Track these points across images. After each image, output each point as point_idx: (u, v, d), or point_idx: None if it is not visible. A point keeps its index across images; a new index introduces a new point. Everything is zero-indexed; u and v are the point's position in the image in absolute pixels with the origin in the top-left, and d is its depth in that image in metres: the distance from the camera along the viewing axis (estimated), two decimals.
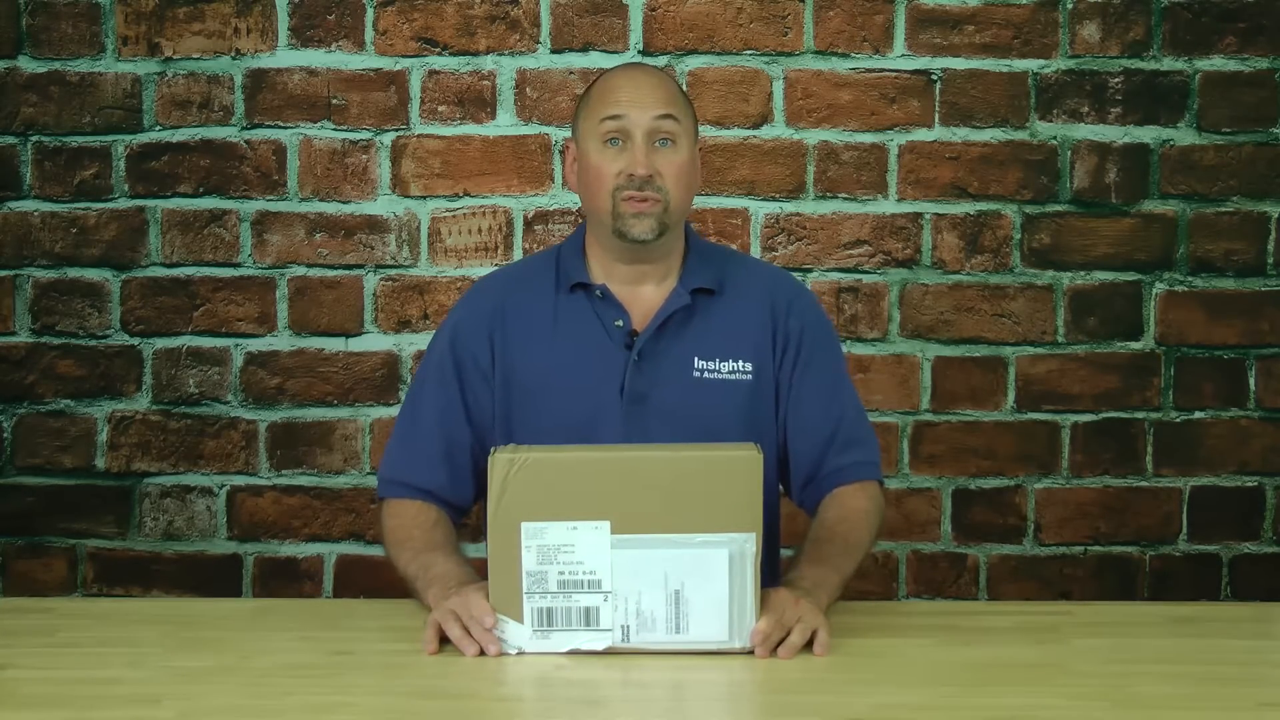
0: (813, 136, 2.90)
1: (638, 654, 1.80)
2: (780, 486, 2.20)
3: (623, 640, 1.81)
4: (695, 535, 1.79)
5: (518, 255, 2.91)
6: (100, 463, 2.98)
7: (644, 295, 2.12)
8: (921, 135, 2.90)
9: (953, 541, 2.96)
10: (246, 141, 2.93)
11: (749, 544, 1.79)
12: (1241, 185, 2.91)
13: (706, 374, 2.10)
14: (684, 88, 2.88)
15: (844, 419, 2.15)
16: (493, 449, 1.83)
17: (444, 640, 1.84)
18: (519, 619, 1.81)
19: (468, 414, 2.12)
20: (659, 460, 1.82)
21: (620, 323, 2.10)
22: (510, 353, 2.12)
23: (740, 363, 2.11)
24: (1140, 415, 2.94)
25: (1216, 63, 2.89)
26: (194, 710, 1.66)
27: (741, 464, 1.80)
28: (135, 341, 2.96)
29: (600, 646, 1.81)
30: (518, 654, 1.82)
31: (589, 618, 1.80)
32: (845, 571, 1.99)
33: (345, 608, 2.43)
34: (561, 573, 1.80)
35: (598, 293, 2.11)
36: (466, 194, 2.92)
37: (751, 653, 1.80)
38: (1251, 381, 2.93)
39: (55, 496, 2.98)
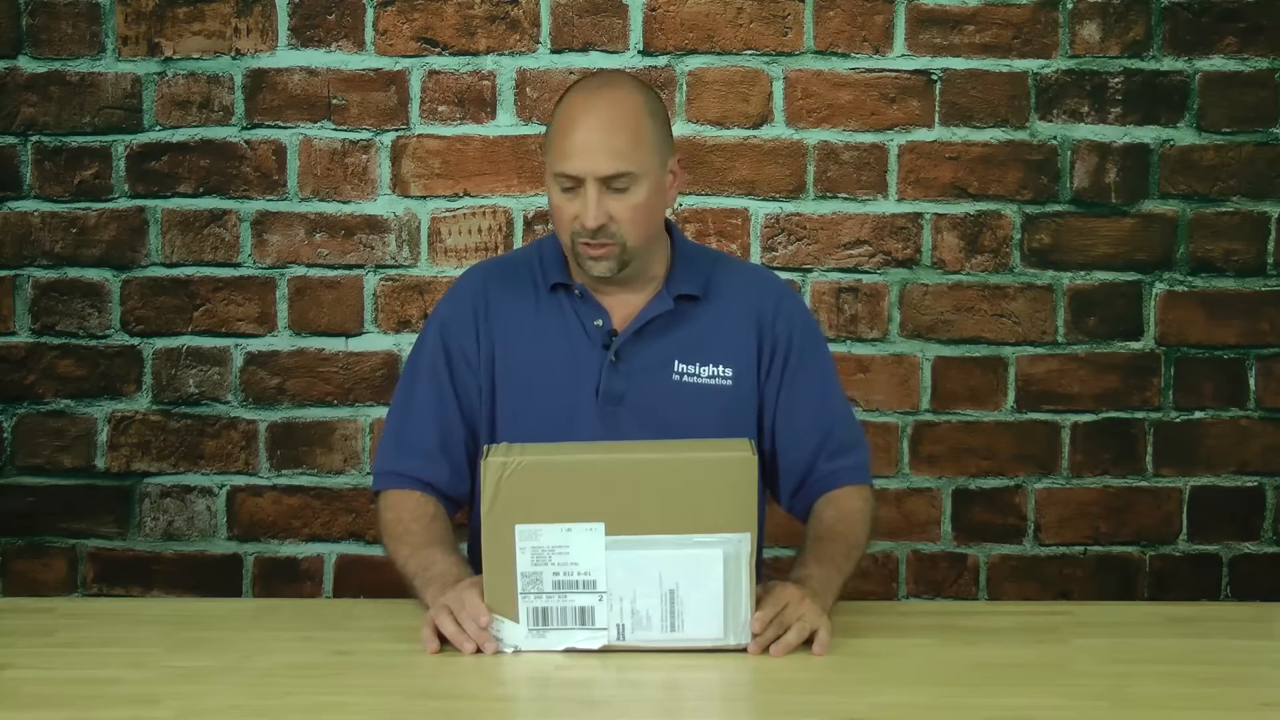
0: (813, 136, 2.90)
1: (634, 652, 1.80)
2: (766, 491, 2.19)
3: (618, 638, 1.81)
4: (690, 536, 1.79)
5: None
6: (100, 463, 2.98)
7: (627, 299, 2.12)
8: (921, 135, 2.90)
9: (953, 541, 2.96)
10: (246, 141, 2.93)
11: (744, 544, 1.79)
12: (1241, 185, 2.91)
13: (686, 378, 2.09)
14: (683, 88, 2.89)
15: (834, 424, 2.14)
16: (485, 450, 1.83)
17: (444, 639, 1.84)
18: (514, 619, 1.81)
19: (460, 406, 2.12)
20: (653, 462, 1.82)
21: (599, 323, 2.10)
22: (494, 347, 2.12)
23: (720, 368, 2.10)
24: (1140, 415, 2.94)
25: (1216, 63, 2.89)
26: (194, 710, 1.66)
27: (736, 465, 1.80)
28: (135, 341, 2.96)
29: (596, 645, 1.81)
30: (514, 652, 1.82)
31: (584, 617, 1.80)
32: (847, 572, 2.00)
33: (345, 608, 2.43)
34: (556, 573, 1.80)
35: (576, 292, 2.11)
36: (466, 194, 2.92)
37: (745, 650, 1.80)
38: (1251, 381, 2.93)
39: (55, 496, 2.98)
